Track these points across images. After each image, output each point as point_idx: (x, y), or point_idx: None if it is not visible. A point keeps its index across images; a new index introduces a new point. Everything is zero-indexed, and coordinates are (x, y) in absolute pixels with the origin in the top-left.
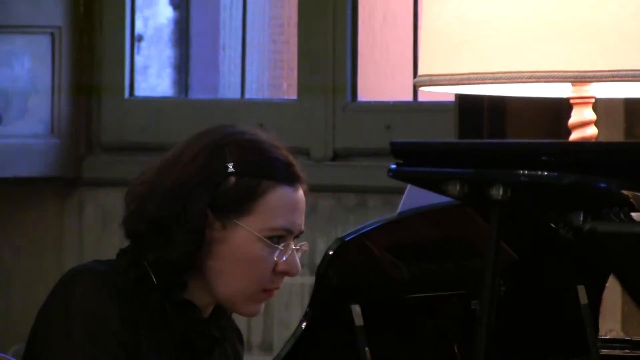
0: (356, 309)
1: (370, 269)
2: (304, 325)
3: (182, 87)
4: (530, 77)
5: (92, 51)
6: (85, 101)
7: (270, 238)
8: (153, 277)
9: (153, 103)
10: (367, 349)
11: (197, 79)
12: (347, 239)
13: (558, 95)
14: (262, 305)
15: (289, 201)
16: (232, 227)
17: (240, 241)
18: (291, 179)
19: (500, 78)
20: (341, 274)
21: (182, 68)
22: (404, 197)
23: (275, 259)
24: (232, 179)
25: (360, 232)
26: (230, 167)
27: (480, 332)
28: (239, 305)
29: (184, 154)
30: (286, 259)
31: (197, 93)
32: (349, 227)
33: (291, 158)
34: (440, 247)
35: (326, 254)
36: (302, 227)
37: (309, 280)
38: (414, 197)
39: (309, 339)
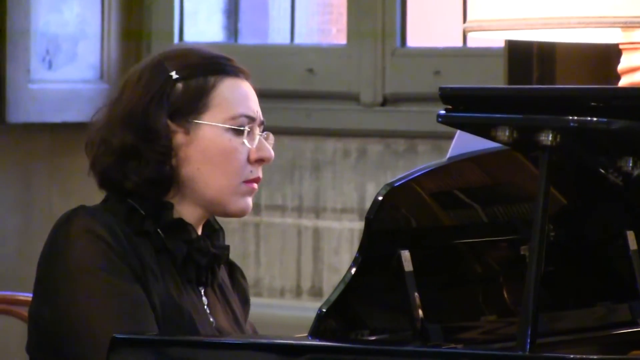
0: (405, 254)
1: (419, 215)
2: (353, 270)
3: (231, 32)
4: (579, 23)
5: None
6: (134, 46)
7: (237, 128)
8: (139, 208)
9: None
10: (416, 294)
11: (247, 24)
12: (396, 185)
13: (607, 41)
14: (250, 200)
15: (240, 90)
16: (196, 128)
17: (207, 138)
18: (235, 72)
19: (550, 23)
20: (390, 220)
21: (231, 13)
22: (453, 142)
23: (246, 143)
24: (180, 85)
25: (409, 178)
26: (174, 74)
27: (530, 278)
28: (228, 204)
29: (128, 82)
30: (257, 146)
31: (246, 38)
32: (398, 172)
33: (228, 56)
34: (489, 193)
35: (375, 199)
36: (262, 118)
37: (359, 225)
38: (463, 143)
39: (358, 284)
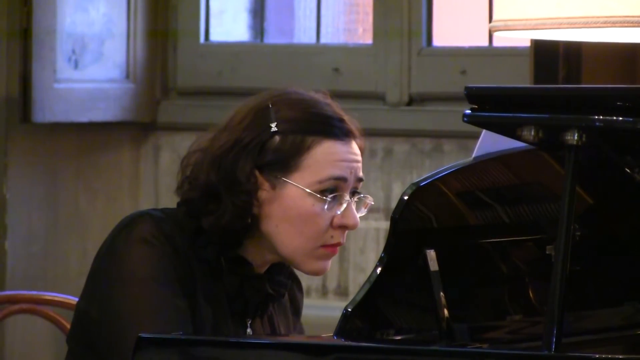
0: (431, 253)
1: (444, 214)
2: (379, 270)
3: (257, 31)
4: (605, 22)
5: None
6: (160, 46)
7: (322, 192)
8: (208, 233)
9: (228, 48)
10: (441, 293)
11: (273, 23)
12: (422, 184)
13: (633, 41)
14: (328, 263)
15: (336, 153)
16: (281, 186)
17: (291, 198)
18: (338, 134)
19: (576, 23)
20: (416, 219)
21: (257, 12)
22: (479, 142)
23: (327, 210)
24: (277, 137)
25: (435, 177)
26: (274, 126)
27: (555, 277)
28: (301, 264)
29: (233, 118)
30: (342, 212)
31: (272, 38)
32: (424, 172)
33: (340, 114)
34: (515, 192)
35: (401, 199)
36: (360, 175)
37: (384, 225)
38: (489, 142)
39: (384, 284)
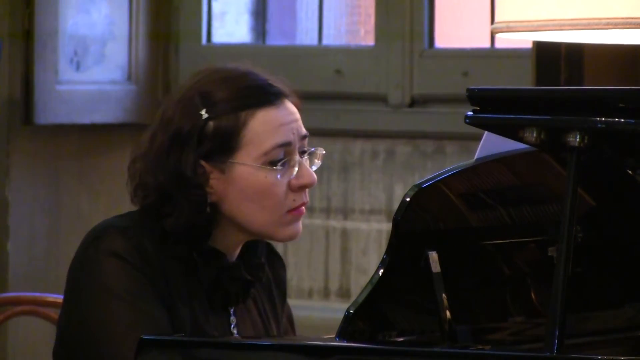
0: (433, 255)
1: (447, 216)
2: (381, 271)
3: (259, 33)
4: (607, 24)
5: None
6: (162, 47)
7: (273, 162)
8: (174, 232)
9: (230, 49)
10: (444, 295)
11: (275, 25)
12: (424, 186)
13: (635, 42)
14: (299, 225)
15: (273, 119)
16: (230, 168)
17: (243, 178)
18: (270, 99)
19: (578, 24)
20: (418, 221)
21: (259, 14)
22: (481, 143)
23: (280, 178)
24: (211, 123)
25: (437, 179)
26: (204, 113)
27: (557, 279)
28: (273, 234)
29: (164, 116)
30: (297, 173)
31: (274, 39)
32: (426, 173)
33: (265, 78)
34: (517, 194)
35: (403, 200)
36: (303, 132)
37: (387, 226)
38: (491, 144)
39: (386, 286)
